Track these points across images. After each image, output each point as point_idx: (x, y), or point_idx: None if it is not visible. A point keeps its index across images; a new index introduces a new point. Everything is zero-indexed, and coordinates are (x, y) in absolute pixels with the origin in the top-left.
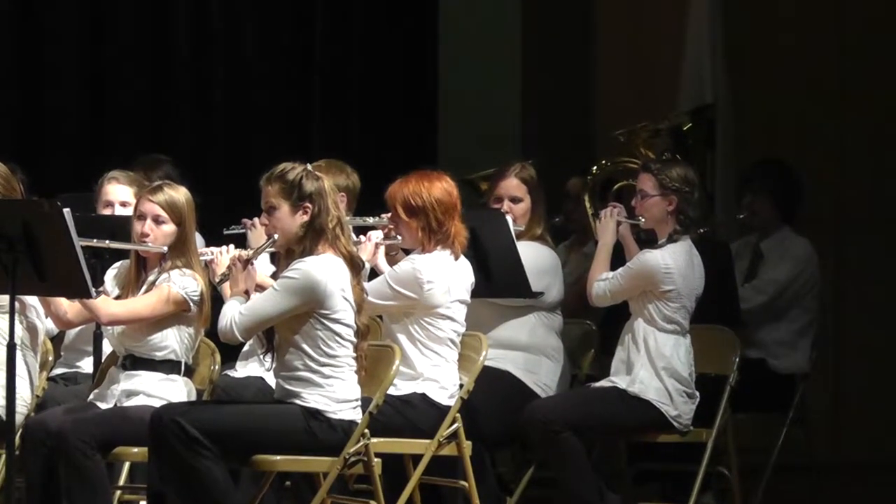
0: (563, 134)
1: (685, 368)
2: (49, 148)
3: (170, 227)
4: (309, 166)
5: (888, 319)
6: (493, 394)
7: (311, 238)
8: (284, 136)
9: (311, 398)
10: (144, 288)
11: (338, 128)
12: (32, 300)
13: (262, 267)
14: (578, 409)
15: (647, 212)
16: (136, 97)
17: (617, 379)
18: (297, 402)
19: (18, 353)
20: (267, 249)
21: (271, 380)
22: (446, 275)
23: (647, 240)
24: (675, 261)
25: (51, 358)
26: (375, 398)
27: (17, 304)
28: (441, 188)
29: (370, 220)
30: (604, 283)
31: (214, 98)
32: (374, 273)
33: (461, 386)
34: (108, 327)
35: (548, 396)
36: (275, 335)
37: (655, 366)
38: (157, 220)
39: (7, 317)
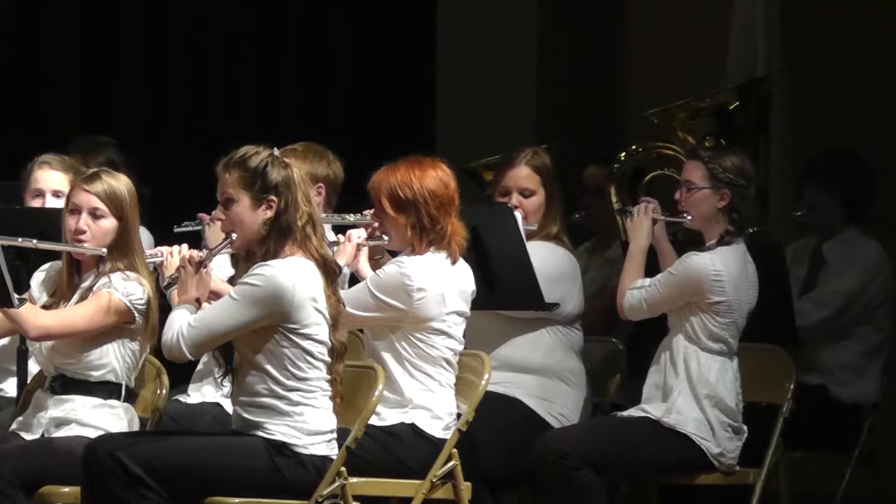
0: (583, 114)
1: (732, 397)
2: None
3: (109, 223)
4: (276, 151)
5: None
6: (497, 425)
7: (275, 238)
8: (253, 115)
9: (277, 429)
10: (78, 295)
11: (317, 105)
12: None
13: (220, 270)
14: (601, 441)
15: (694, 207)
16: (72, 65)
17: (649, 407)
18: (260, 433)
19: None
20: (224, 250)
21: (230, 407)
22: (441, 281)
23: (686, 241)
24: (727, 267)
25: None
26: (354, 430)
27: None
28: (435, 178)
29: (350, 218)
30: (639, 291)
31: (168, 66)
32: (356, 279)
33: (459, 415)
34: (36, 342)
35: (565, 426)
36: (233, 353)
37: (697, 393)
38: (95, 215)
39: None
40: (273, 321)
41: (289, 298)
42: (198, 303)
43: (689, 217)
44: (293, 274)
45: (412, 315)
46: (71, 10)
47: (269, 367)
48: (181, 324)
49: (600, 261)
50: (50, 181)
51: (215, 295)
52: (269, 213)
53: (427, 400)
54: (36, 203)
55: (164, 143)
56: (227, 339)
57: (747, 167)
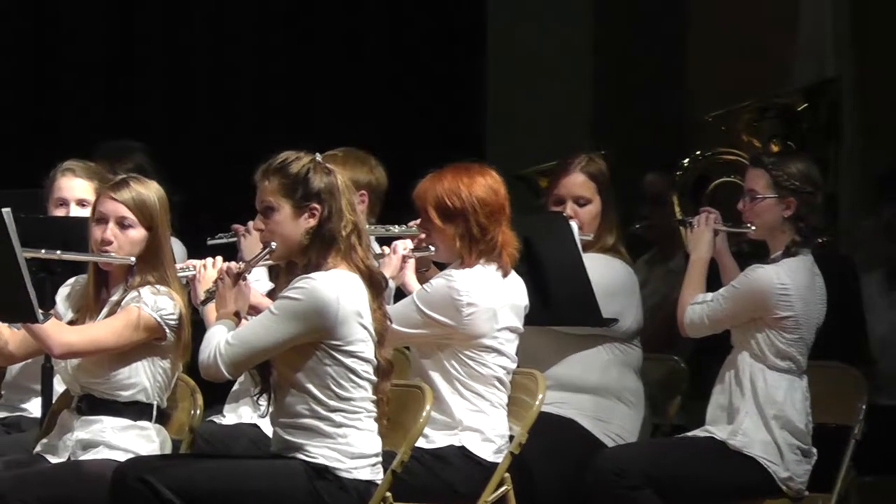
0: (642, 117)
1: (801, 418)
2: None
3: (138, 233)
4: (318, 157)
5: None
6: (552, 448)
7: (318, 248)
8: (290, 120)
9: (318, 452)
10: (106, 310)
11: (358, 109)
12: None
13: (258, 285)
14: (663, 460)
15: (759, 217)
16: (96, 65)
17: (714, 429)
18: (301, 456)
19: None
20: (263, 262)
21: (267, 428)
22: (492, 296)
23: (751, 254)
24: (794, 280)
25: None
26: (401, 453)
27: None
28: (484, 185)
29: (395, 229)
30: (700, 307)
31: (198, 63)
32: (401, 294)
33: (511, 438)
34: (61, 360)
35: (623, 444)
36: (272, 372)
37: (764, 414)
38: (122, 224)
39: None
40: (315, 337)
41: (332, 313)
42: (237, 317)
43: (753, 227)
44: (337, 287)
45: (462, 332)
46: (93, 7)
47: (310, 387)
48: (219, 341)
49: (660, 273)
50: (74, 189)
51: (254, 310)
52: (312, 222)
53: (478, 421)
54: (59, 213)
55: (198, 149)
56: (267, 357)
57: (814, 173)
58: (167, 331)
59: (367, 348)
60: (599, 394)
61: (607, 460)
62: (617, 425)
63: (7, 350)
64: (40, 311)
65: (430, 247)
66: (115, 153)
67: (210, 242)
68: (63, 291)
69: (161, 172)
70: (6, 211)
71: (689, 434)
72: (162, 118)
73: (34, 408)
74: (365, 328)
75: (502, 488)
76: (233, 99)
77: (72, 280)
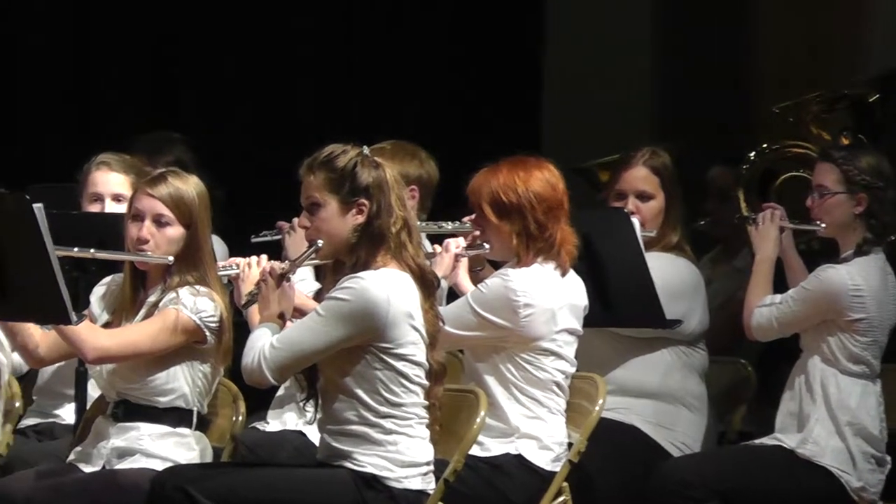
0: (706, 109)
1: (875, 424)
2: (22, 123)
3: (177, 231)
4: (366, 150)
5: None
6: (612, 456)
7: (367, 246)
8: (340, 110)
9: (367, 460)
10: (143, 312)
11: (409, 100)
12: None
13: (303, 285)
14: (729, 471)
15: (828, 214)
16: (133, 58)
17: (784, 437)
18: (348, 465)
19: None
20: (309, 261)
21: (314, 435)
22: (550, 296)
23: (820, 252)
24: (867, 281)
25: (18, 404)
26: (453, 461)
27: None
28: (541, 179)
29: (448, 226)
30: (768, 309)
31: (244, 50)
32: (455, 295)
33: (570, 445)
34: (95, 365)
35: (688, 454)
36: (319, 376)
37: (837, 420)
38: (159, 222)
39: None
40: (364, 340)
41: (382, 314)
42: (281, 320)
43: (823, 225)
44: (387, 287)
45: (518, 334)
46: None
47: (359, 392)
48: (263, 345)
49: (725, 271)
50: (109, 184)
51: (299, 312)
52: (360, 219)
53: (535, 428)
54: (94, 208)
55: (240, 141)
56: (314, 361)
57: (885, 167)
58: (207, 334)
59: (419, 351)
60: (662, 399)
61: (671, 471)
62: (681, 432)
63: (38, 353)
64: (73, 312)
65: (485, 244)
66: (154, 146)
67: (254, 240)
68: (98, 291)
69: (202, 166)
70: (38, 207)
71: (757, 442)
72: (203, 109)
73: (67, 414)
74: (416, 330)
75: (560, 498)
76: (278, 89)
77: (107, 279)
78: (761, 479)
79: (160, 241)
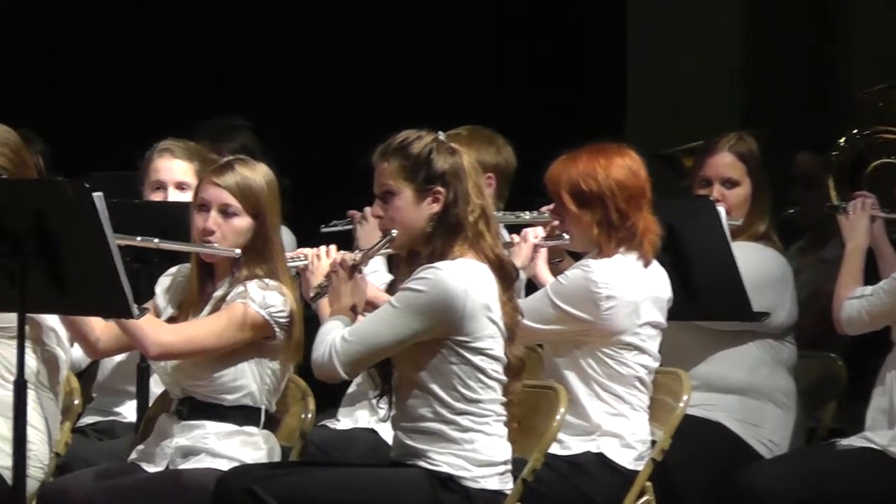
0: (794, 93)
1: None
2: (79, 110)
3: (244, 221)
4: (442, 135)
5: None
6: (697, 454)
7: (443, 235)
8: (413, 95)
9: (442, 459)
10: (210, 306)
11: (485, 85)
12: (52, 321)
13: (376, 276)
14: (815, 477)
15: None
16: (200, 43)
17: (873, 435)
18: (423, 464)
19: (31, 395)
20: (382, 251)
21: (387, 433)
22: (632, 288)
23: None
24: None
25: (77, 401)
26: (532, 460)
27: (27, 328)
28: (623, 167)
29: (526, 216)
30: (858, 301)
31: (312, 32)
32: (533, 286)
33: (653, 443)
34: (158, 361)
35: (773, 458)
36: (393, 371)
37: None
38: (226, 212)
39: (15, 344)
40: (440, 333)
41: (459, 307)
42: (353, 312)
43: None
44: (464, 278)
45: (600, 327)
46: None
47: (434, 388)
48: (334, 338)
49: (814, 262)
50: (172, 171)
51: (371, 306)
52: (436, 207)
53: (617, 425)
54: (156, 197)
55: (309, 127)
56: (387, 355)
57: None
58: (276, 329)
59: (497, 345)
60: (749, 395)
61: (755, 478)
62: (768, 429)
63: (98, 343)
64: (135, 305)
65: (564, 235)
66: (218, 132)
67: (324, 230)
68: (164, 282)
69: (270, 153)
70: (98, 195)
71: (844, 443)
72: (271, 93)
73: (129, 412)
74: (494, 323)
75: (643, 498)
76: (349, 73)
77: (173, 269)
78: (850, 483)
79: (227, 232)
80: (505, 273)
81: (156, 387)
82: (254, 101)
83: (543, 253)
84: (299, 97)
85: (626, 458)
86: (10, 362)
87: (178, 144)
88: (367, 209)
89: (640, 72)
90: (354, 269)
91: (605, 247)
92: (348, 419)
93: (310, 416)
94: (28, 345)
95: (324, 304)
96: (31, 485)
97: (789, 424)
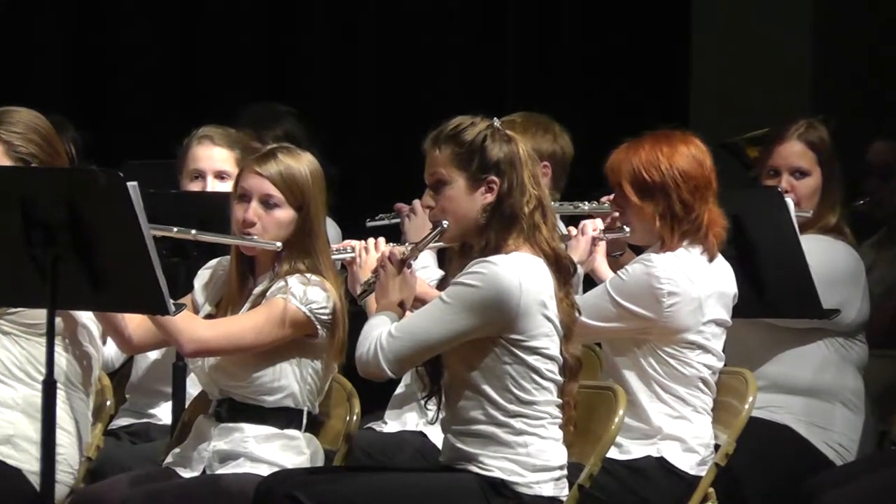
0: (867, 78)
1: None
2: (116, 94)
3: (286, 213)
4: (496, 122)
5: None
6: (763, 458)
7: (497, 227)
8: (464, 79)
9: (495, 464)
10: (250, 302)
11: (541, 68)
12: (84, 317)
13: (426, 272)
14: (885, 492)
15: None
16: (243, 24)
17: None
18: (474, 468)
19: (61, 396)
20: (433, 245)
21: (436, 436)
22: (697, 283)
23: None
24: None
25: (109, 402)
26: (589, 464)
27: (58, 324)
28: (688, 156)
29: (584, 206)
30: None
31: (359, 23)
32: (591, 282)
33: (717, 447)
34: (194, 358)
35: (842, 466)
36: (443, 371)
37: None
38: (268, 203)
39: (44, 342)
40: (493, 331)
41: (514, 303)
42: (401, 309)
43: None
44: (519, 272)
45: (662, 325)
46: None
47: (487, 388)
48: (380, 333)
49: (888, 257)
50: (212, 160)
51: (421, 302)
52: (490, 198)
53: (679, 428)
54: (195, 187)
55: (356, 113)
56: (437, 353)
57: None
58: (319, 327)
59: (553, 344)
60: (817, 396)
61: (821, 491)
62: (837, 432)
63: (132, 338)
64: (171, 301)
65: (625, 227)
66: (261, 119)
67: (369, 224)
68: (203, 275)
69: (315, 141)
70: (132, 185)
71: None
72: (318, 78)
73: (164, 413)
74: (550, 321)
75: None
76: (400, 58)
77: (213, 262)
78: None
79: (268, 224)
80: (562, 267)
81: (192, 387)
82: (299, 87)
83: (602, 246)
84: (348, 83)
85: (688, 462)
86: (39, 361)
87: (219, 131)
88: (416, 201)
89: (704, 54)
90: (403, 264)
91: (667, 240)
92: (396, 422)
93: (355, 418)
94: (58, 342)
95: (371, 300)
96: (61, 490)
97: (859, 427)
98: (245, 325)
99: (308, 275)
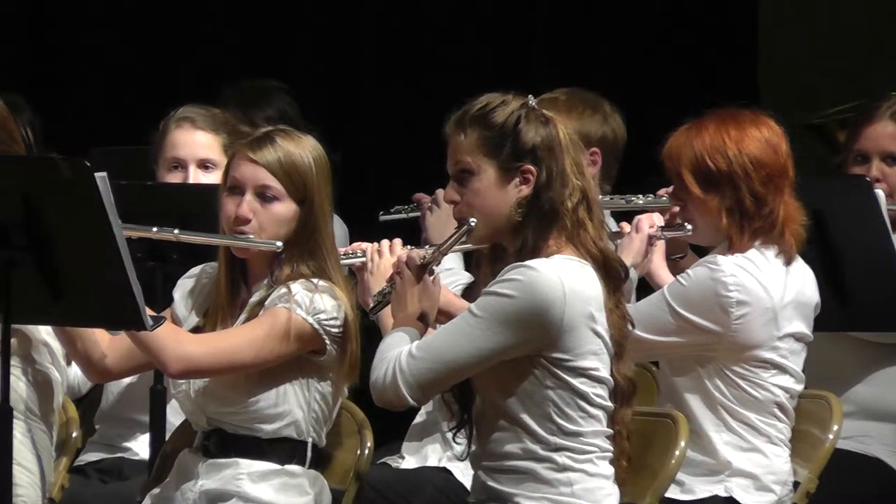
0: None
1: None
2: (78, 72)
3: (287, 208)
4: (532, 100)
5: None
6: (851, 497)
7: (535, 226)
8: (492, 50)
9: None
10: (245, 313)
11: (583, 39)
12: (44, 333)
13: (451, 274)
14: None
15: None
16: None
17: None
18: None
19: (18, 427)
20: (458, 246)
21: (463, 474)
22: (771, 291)
23: None
24: None
25: (75, 434)
26: None
27: (12, 342)
28: (759, 140)
29: (639, 200)
30: None
31: None
32: (647, 288)
33: (796, 484)
34: (179, 381)
35: None
36: (473, 397)
37: None
38: (265, 195)
39: None
40: (532, 350)
41: (557, 316)
42: (422, 323)
43: None
44: (563, 279)
45: (730, 340)
46: None
47: (525, 417)
48: (398, 354)
49: None
50: (194, 146)
51: (445, 314)
52: (525, 190)
53: (751, 463)
54: (174, 178)
55: (361, 89)
56: (465, 377)
57: None
58: (327, 341)
59: (602, 364)
60: None
61: None
62: None
63: (103, 363)
64: (149, 313)
65: (686, 224)
66: (250, 97)
67: (383, 218)
68: (185, 285)
69: (314, 123)
70: (101, 176)
71: None
72: (317, 51)
73: (140, 447)
74: (599, 336)
75: None
76: (415, 27)
77: (197, 269)
78: None
79: (265, 220)
80: (611, 272)
81: (174, 416)
82: (292, 60)
83: (660, 246)
84: (348, 51)
85: (762, 502)
86: None
87: (201, 112)
88: (439, 192)
89: (775, 21)
90: (424, 269)
91: (736, 239)
92: (415, 456)
93: (367, 451)
94: (14, 363)
95: (386, 314)
96: None
97: None
98: (241, 339)
99: (314, 280)
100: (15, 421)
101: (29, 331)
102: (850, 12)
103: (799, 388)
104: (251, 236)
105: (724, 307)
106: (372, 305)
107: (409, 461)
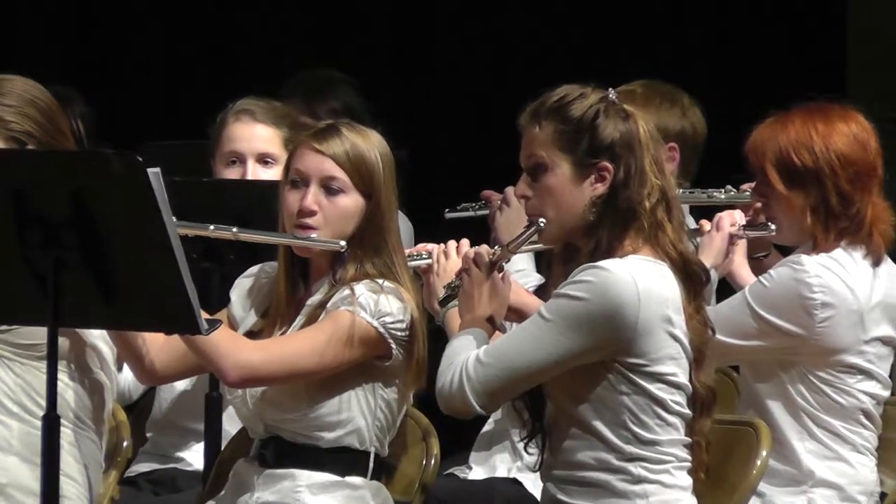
0: None
1: None
2: (132, 62)
3: (354, 201)
4: (612, 94)
5: None
6: None
7: (611, 225)
8: (567, 41)
9: None
10: (304, 316)
11: (663, 30)
12: (93, 337)
13: (521, 276)
14: None
15: None
16: None
17: None
18: None
19: (66, 435)
20: (529, 245)
21: (533, 485)
22: (858, 293)
23: None
24: None
25: (126, 443)
26: None
27: (62, 345)
28: (847, 135)
29: (721, 196)
30: None
31: None
32: (729, 289)
33: (883, 496)
34: (237, 389)
35: None
36: (545, 404)
37: None
38: (331, 188)
39: (44, 368)
40: (606, 355)
41: (631, 319)
42: (491, 325)
43: None
44: (639, 281)
45: (814, 344)
46: None
47: (598, 425)
48: (466, 359)
49: None
50: (253, 140)
51: (517, 314)
52: (601, 188)
53: (835, 472)
54: (231, 173)
55: (428, 81)
56: (536, 383)
57: None
58: (393, 346)
59: (680, 369)
60: None
61: None
62: None
63: (154, 365)
64: (204, 316)
65: (770, 223)
66: (313, 89)
67: (449, 215)
68: (242, 284)
69: (379, 117)
70: (154, 171)
71: None
72: (385, 42)
73: (194, 457)
74: (677, 340)
75: None
76: (484, 18)
77: (255, 269)
78: None
79: (331, 214)
80: (691, 275)
81: (229, 424)
82: (357, 52)
83: (742, 245)
84: (415, 41)
85: None
86: (39, 391)
87: (261, 105)
88: (509, 189)
89: (865, 12)
90: (493, 268)
91: (821, 239)
92: (483, 466)
93: (433, 462)
94: (62, 368)
95: (453, 315)
96: None
97: None
98: (303, 345)
99: (380, 281)
100: (62, 429)
101: (78, 334)
102: None
103: (886, 394)
104: (314, 235)
105: (808, 309)
106: (441, 298)
107: (477, 472)
